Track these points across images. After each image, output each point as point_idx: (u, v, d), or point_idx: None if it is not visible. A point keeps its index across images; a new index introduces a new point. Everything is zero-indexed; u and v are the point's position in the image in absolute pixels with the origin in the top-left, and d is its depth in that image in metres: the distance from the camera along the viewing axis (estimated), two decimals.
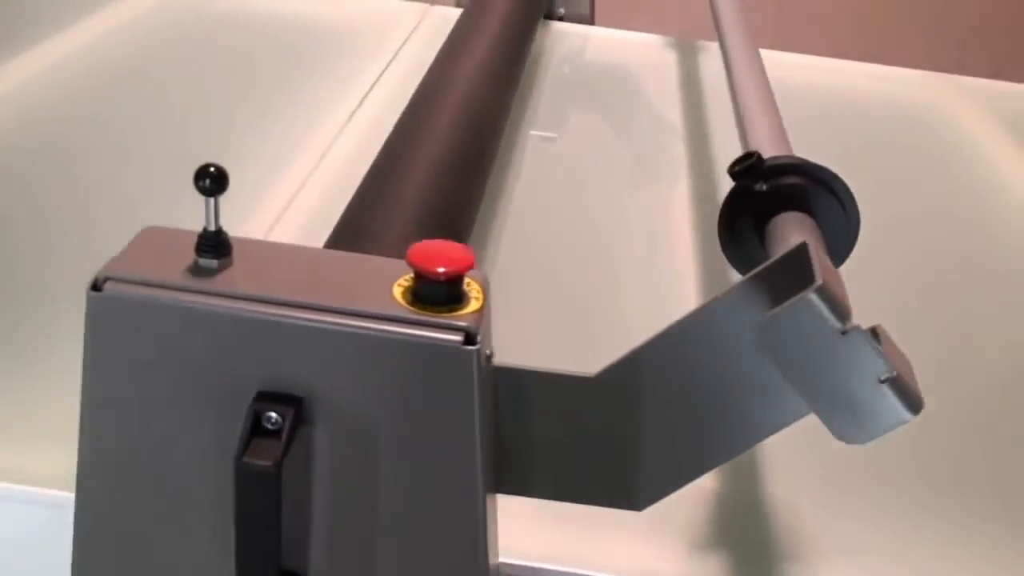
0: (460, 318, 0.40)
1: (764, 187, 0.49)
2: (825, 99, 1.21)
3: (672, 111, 1.12)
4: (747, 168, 0.48)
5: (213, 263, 0.41)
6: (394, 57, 1.12)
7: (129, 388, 0.41)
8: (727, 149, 1.00)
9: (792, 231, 0.48)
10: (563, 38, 1.28)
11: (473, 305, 0.41)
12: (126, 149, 0.88)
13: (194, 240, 0.41)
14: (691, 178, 0.97)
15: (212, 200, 0.40)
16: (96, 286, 0.40)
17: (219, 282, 0.41)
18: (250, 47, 1.12)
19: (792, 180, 0.49)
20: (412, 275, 0.41)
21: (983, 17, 2.32)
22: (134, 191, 0.81)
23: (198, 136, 0.91)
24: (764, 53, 1.28)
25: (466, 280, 0.41)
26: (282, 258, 0.43)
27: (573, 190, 0.95)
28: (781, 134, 0.58)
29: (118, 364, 0.41)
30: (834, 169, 0.50)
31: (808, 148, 0.55)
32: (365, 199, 0.60)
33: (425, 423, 0.41)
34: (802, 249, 0.41)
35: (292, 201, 0.81)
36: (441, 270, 0.40)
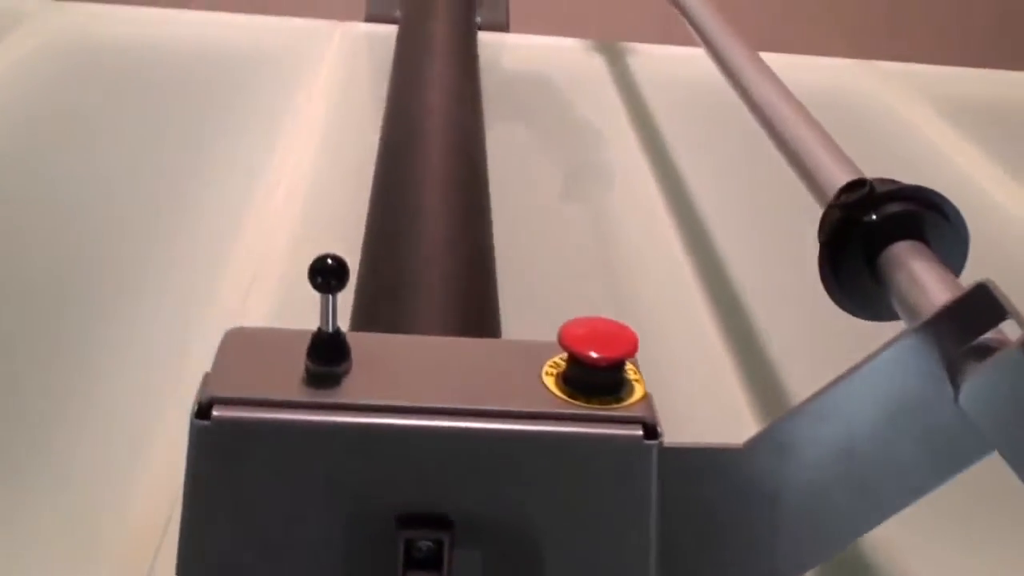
0: (633, 408, 0.35)
1: (875, 217, 0.45)
2: None
3: (609, 115, 1.08)
4: (860, 199, 0.44)
5: (334, 369, 0.35)
6: (328, 83, 1.06)
7: (241, 522, 0.35)
8: (676, 153, 0.98)
9: (912, 261, 0.45)
10: (484, 48, 1.23)
11: (638, 390, 0.36)
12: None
13: (300, 342, 0.35)
14: (640, 183, 0.94)
15: (330, 298, 0.34)
16: (202, 412, 0.34)
17: (345, 392, 0.35)
18: (160, 81, 1.04)
19: (905, 207, 0.45)
20: (561, 359, 0.36)
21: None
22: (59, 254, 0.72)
23: (127, 192, 0.83)
24: (683, 51, 1.27)
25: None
26: (404, 352, 0.37)
27: (519, 200, 0.90)
28: (840, 152, 0.54)
29: (227, 495, 0.34)
30: None
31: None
32: (399, 258, 0.54)
33: (593, 526, 0.36)
34: (982, 290, 0.38)
35: (264, 257, 0.74)
36: (599, 356, 0.35)
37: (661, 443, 0.35)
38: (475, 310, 0.51)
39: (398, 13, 1.23)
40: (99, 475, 0.53)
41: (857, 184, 0.46)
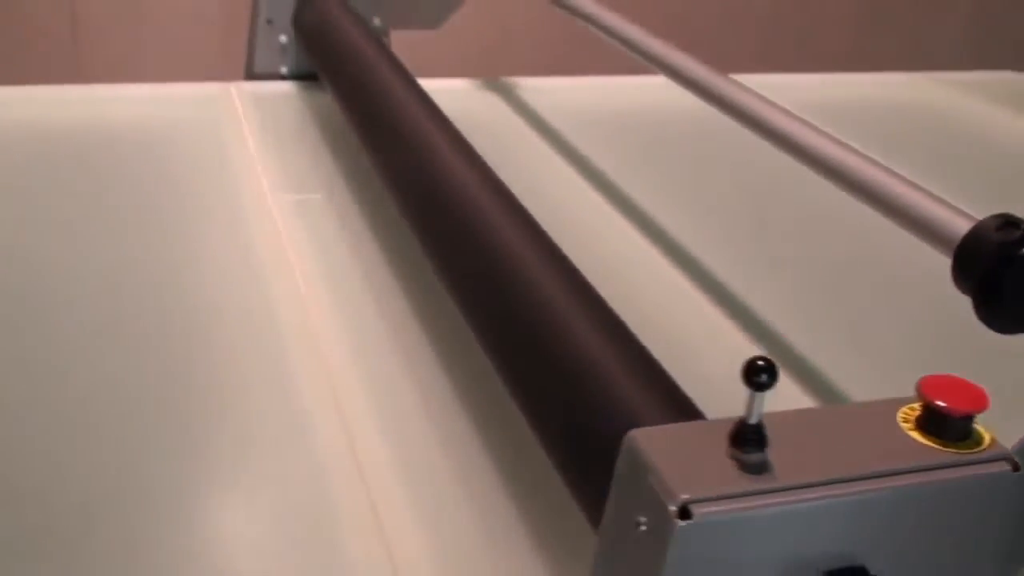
0: (994, 448, 0.42)
1: None
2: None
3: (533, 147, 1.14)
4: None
5: (762, 456, 0.40)
6: (262, 147, 1.05)
7: None
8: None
9: None
10: None
11: (986, 433, 0.43)
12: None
13: (714, 435, 0.40)
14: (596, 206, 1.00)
15: (760, 395, 0.39)
16: (684, 514, 0.38)
17: (779, 476, 0.39)
18: (86, 162, 1.00)
19: None
20: (907, 411, 0.42)
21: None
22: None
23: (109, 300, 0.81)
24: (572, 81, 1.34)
25: None
26: (798, 428, 0.42)
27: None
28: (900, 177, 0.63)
29: None
30: None
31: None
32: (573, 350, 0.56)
33: (972, 554, 0.42)
34: None
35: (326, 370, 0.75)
36: (961, 408, 0.42)
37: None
38: (665, 380, 0.54)
39: (284, 69, 1.24)
40: None
41: (1015, 221, 0.54)
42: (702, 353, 0.77)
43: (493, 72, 1.32)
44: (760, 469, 0.39)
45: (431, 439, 0.65)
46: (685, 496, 0.38)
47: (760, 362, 0.39)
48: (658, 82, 1.28)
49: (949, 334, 0.80)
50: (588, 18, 1.08)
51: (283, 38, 1.23)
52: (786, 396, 0.73)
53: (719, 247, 0.94)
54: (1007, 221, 0.55)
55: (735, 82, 0.89)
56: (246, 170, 1.01)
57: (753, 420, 0.40)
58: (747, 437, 0.40)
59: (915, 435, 0.42)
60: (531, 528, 0.58)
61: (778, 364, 0.39)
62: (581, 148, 1.13)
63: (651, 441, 0.41)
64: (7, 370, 0.69)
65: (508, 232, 0.68)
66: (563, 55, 2.14)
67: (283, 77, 1.25)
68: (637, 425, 0.42)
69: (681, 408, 0.50)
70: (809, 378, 0.76)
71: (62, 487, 0.59)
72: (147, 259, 0.84)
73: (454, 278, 0.70)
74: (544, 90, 1.29)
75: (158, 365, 0.70)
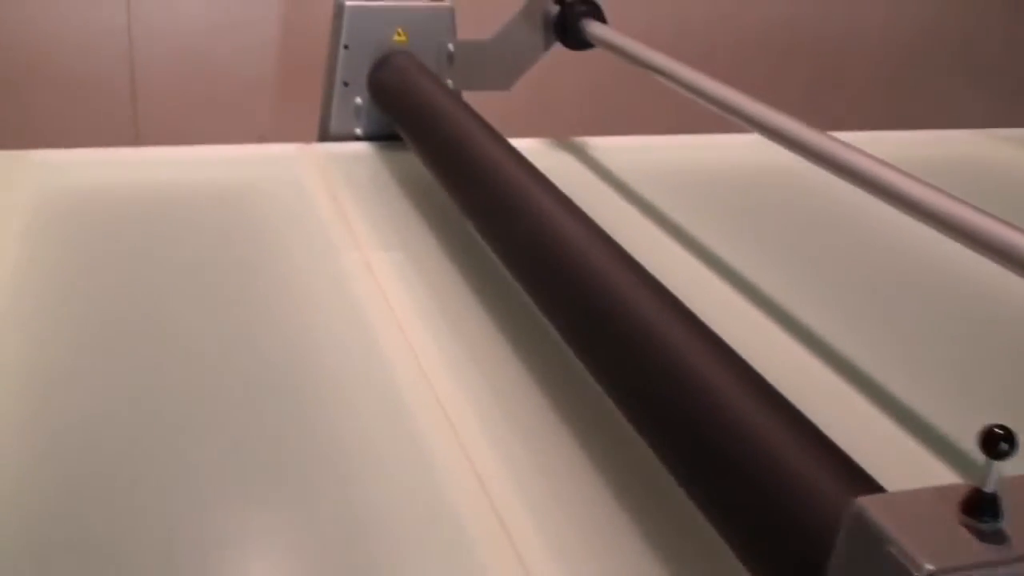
0: None
1: None
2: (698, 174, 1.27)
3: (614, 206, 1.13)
4: None
5: (998, 524, 0.39)
6: (338, 207, 1.05)
7: None
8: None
9: None
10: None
11: None
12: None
13: (944, 503, 0.39)
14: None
15: (998, 464, 0.39)
16: None
17: (1016, 545, 0.39)
18: (164, 233, 1.00)
19: None
20: None
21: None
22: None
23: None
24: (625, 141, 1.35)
25: None
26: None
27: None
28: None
29: None
30: None
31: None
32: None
33: None
34: None
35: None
36: None
37: None
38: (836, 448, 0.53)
39: (358, 130, 1.25)
40: None
41: None
42: (820, 413, 0.76)
43: (555, 131, 1.33)
44: (999, 538, 0.39)
45: (570, 507, 0.64)
46: (931, 567, 0.37)
47: (999, 430, 0.38)
48: (737, 140, 1.30)
49: None
50: (670, 76, 1.09)
51: (358, 100, 1.24)
52: (912, 455, 0.72)
53: (827, 307, 0.93)
54: None
55: (833, 137, 0.90)
56: (337, 228, 1.01)
57: (990, 489, 0.39)
58: (983, 506, 0.39)
59: None
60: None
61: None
62: (667, 209, 1.12)
63: (884, 509, 0.40)
64: (132, 432, 0.68)
65: (645, 300, 0.67)
66: (630, 114, 2.16)
67: (357, 138, 1.25)
68: (840, 495, 0.42)
69: (859, 474, 0.49)
70: (933, 436, 0.75)
71: (182, 545, 0.59)
72: (255, 320, 0.84)
73: (586, 346, 0.70)
74: (623, 149, 1.30)
75: (277, 428, 0.70)
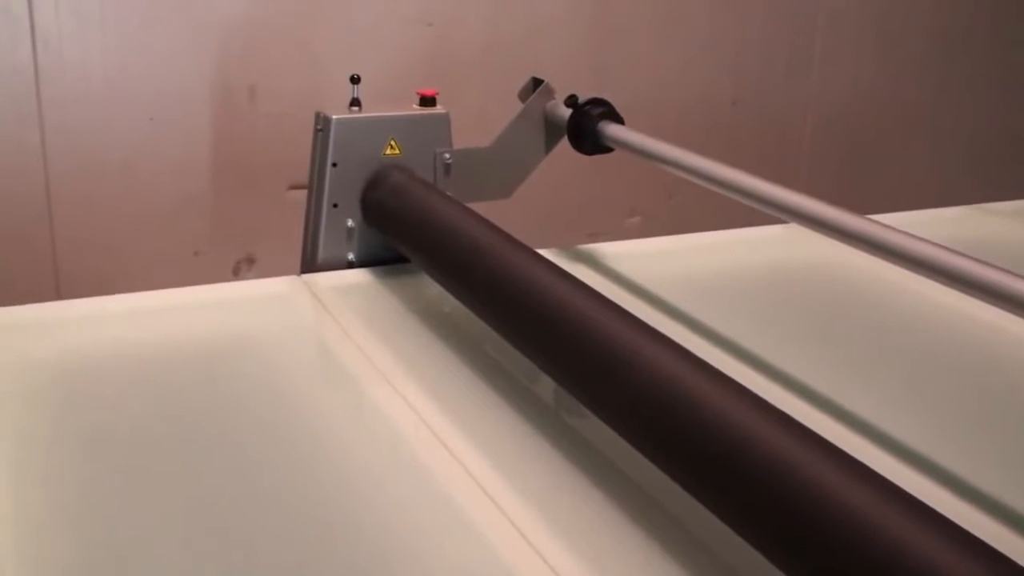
0: None
1: None
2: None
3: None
4: None
5: None
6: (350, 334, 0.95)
7: None
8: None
9: None
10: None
11: None
12: None
13: None
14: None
15: None
16: None
17: None
18: (175, 390, 0.87)
19: None
20: None
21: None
22: None
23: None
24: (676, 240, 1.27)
25: None
26: None
27: None
28: None
29: None
30: None
31: None
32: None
33: None
34: None
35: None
36: None
37: None
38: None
39: (351, 255, 1.14)
40: None
41: None
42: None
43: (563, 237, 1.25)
44: None
45: None
46: None
47: None
48: (767, 233, 1.24)
49: None
50: (701, 175, 1.01)
51: (350, 222, 1.13)
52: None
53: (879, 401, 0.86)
54: None
55: (873, 221, 0.86)
56: (359, 365, 0.92)
57: None
58: None
59: None
60: None
61: None
62: (695, 312, 1.05)
63: None
64: None
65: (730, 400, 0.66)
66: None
67: (350, 264, 1.14)
68: None
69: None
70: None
71: None
72: (305, 468, 0.76)
73: (673, 457, 0.67)
74: (636, 254, 1.22)
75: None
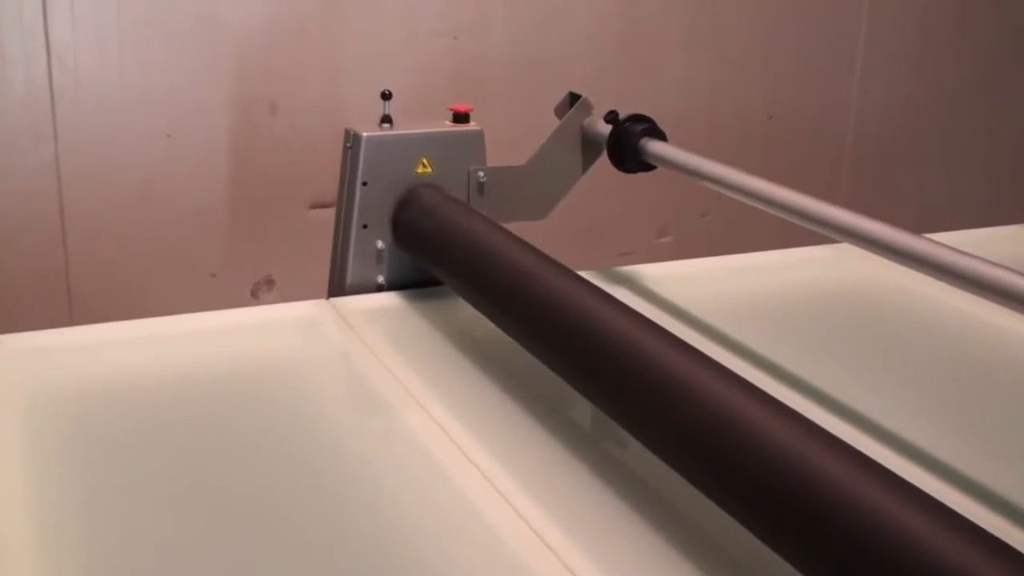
0: None
1: None
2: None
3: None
4: None
5: None
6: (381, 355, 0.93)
7: None
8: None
9: None
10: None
11: None
12: None
13: None
14: None
15: None
16: None
17: None
18: (211, 419, 0.85)
19: None
20: None
21: None
22: None
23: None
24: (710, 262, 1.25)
25: None
26: None
27: None
28: None
29: None
30: None
31: None
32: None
33: None
34: None
35: None
36: None
37: None
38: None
39: (381, 279, 1.12)
40: None
41: None
42: None
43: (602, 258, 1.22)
44: None
45: None
46: None
47: None
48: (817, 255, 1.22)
49: None
50: (750, 194, 0.99)
51: (380, 243, 1.11)
52: None
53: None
54: None
55: (931, 240, 0.85)
56: (394, 391, 0.90)
57: None
58: None
59: None
60: None
61: None
62: (741, 338, 1.02)
63: None
64: None
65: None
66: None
67: (379, 287, 1.12)
68: None
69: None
70: None
71: None
72: (339, 501, 0.73)
73: (723, 488, 0.66)
74: (677, 276, 1.19)
75: None
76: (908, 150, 2.42)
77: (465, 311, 1.03)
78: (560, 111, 1.18)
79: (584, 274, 1.08)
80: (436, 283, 1.10)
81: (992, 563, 0.53)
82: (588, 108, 1.17)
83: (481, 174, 1.14)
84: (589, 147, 1.17)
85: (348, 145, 1.11)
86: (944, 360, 1.02)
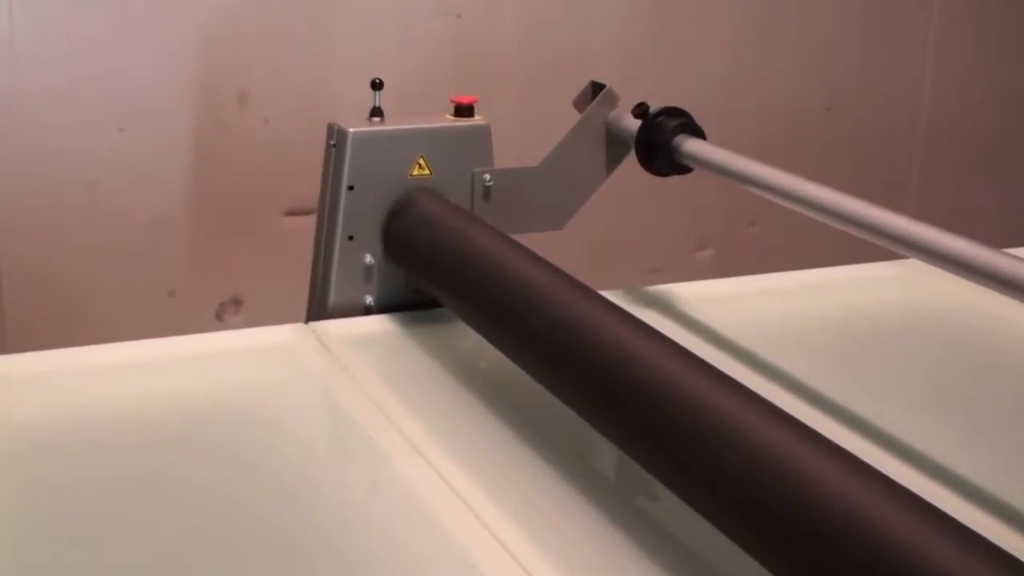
0: None
1: None
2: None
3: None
4: None
5: None
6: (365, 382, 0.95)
7: None
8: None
9: None
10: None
11: None
12: None
13: None
14: None
15: None
16: None
17: None
18: (189, 451, 0.87)
19: None
20: None
21: None
22: None
23: None
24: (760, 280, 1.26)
25: None
26: None
27: None
28: None
29: None
30: None
31: None
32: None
33: None
34: None
35: None
36: None
37: None
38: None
39: (369, 299, 1.13)
40: None
41: None
42: None
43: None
44: None
45: None
46: None
47: None
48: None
49: None
50: (791, 196, 1.00)
51: (369, 258, 1.12)
52: None
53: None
54: None
55: (1015, 257, 0.86)
56: (386, 434, 0.91)
57: None
58: None
59: None
60: None
61: None
62: (791, 369, 1.04)
63: None
64: None
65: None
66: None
67: (367, 309, 1.13)
68: None
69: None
70: None
71: None
72: (322, 564, 0.75)
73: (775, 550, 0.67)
74: (715, 296, 1.21)
75: None
76: (990, 149, 2.43)
77: (468, 338, 1.04)
78: (580, 103, 1.20)
79: (608, 294, 1.10)
80: (434, 305, 1.12)
81: None
82: (613, 100, 1.18)
83: (487, 177, 1.16)
84: (614, 145, 1.18)
85: (332, 142, 1.13)
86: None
